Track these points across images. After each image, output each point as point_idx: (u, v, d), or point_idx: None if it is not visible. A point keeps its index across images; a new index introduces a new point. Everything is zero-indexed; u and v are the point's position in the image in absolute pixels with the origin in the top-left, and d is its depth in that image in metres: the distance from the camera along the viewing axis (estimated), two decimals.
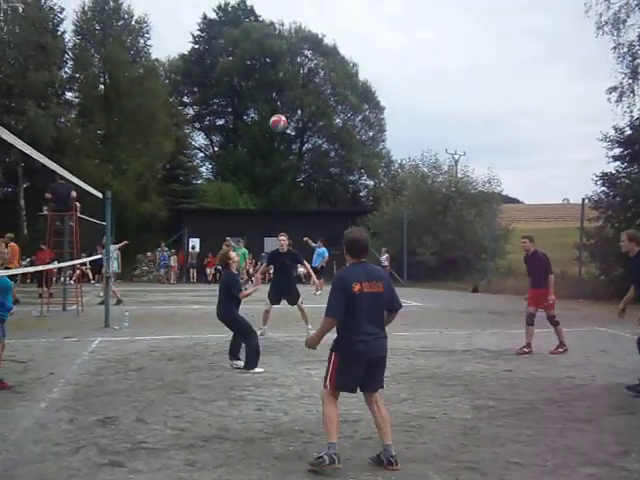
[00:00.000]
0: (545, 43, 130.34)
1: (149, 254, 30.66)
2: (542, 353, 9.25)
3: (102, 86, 36.58)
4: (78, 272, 18.61)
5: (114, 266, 16.19)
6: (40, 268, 13.59)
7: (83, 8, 36.07)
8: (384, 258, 27.42)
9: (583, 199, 19.54)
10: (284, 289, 10.76)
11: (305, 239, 21.37)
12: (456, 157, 36.17)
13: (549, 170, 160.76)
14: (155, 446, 4.81)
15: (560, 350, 9.19)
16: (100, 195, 13.18)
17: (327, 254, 21.14)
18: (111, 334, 11.11)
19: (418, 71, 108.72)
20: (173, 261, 29.51)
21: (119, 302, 15.75)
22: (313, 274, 12.50)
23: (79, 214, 15.14)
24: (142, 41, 37.62)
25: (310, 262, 20.89)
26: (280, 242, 10.59)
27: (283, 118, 10.80)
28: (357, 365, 4.43)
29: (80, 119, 34.61)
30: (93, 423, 5.44)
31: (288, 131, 48.41)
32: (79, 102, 36.01)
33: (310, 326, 10.59)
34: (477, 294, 21.78)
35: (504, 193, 31.70)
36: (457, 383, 7.12)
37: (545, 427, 5.39)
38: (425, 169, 30.97)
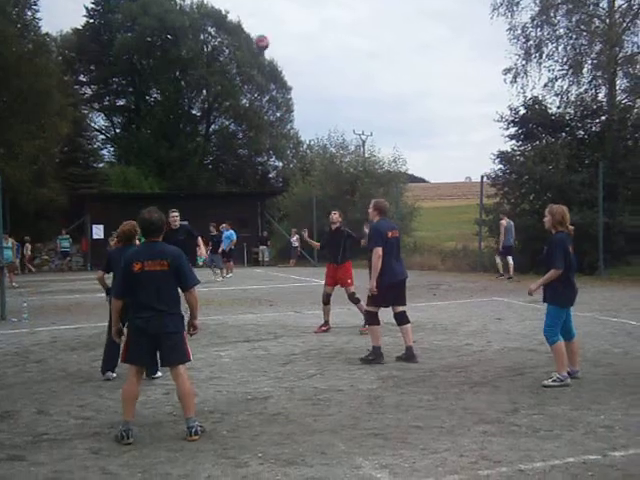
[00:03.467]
0: (448, 25, 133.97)
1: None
2: (443, 324, 9.64)
3: None
4: None
5: (8, 256, 15.50)
6: None
7: None
8: (294, 239, 27.60)
9: (482, 177, 20.34)
10: None
11: (223, 225, 21.26)
12: (363, 137, 36.68)
13: (453, 150, 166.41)
14: (58, 437, 4.70)
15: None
16: None
17: (235, 237, 21.10)
18: (9, 327, 10.62)
19: (324, 51, 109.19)
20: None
21: None
22: (202, 246, 12.14)
23: None
24: (30, 13, 35.20)
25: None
26: (172, 218, 10.01)
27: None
28: (140, 340, 4.59)
29: None
30: None
31: (193, 111, 47.48)
32: None
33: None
34: None
35: (410, 172, 32.57)
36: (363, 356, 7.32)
37: (444, 392, 5.67)
38: (333, 149, 31.26)
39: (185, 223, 10.43)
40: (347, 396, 5.65)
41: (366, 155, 30.98)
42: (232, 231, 21.14)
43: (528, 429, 4.61)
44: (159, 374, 6.42)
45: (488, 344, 7.92)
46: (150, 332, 4.55)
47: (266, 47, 10.24)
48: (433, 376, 6.31)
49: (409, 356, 7.02)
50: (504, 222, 16.73)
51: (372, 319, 7.12)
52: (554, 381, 5.72)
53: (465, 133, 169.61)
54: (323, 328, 9.24)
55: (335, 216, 9.54)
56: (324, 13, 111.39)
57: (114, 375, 6.40)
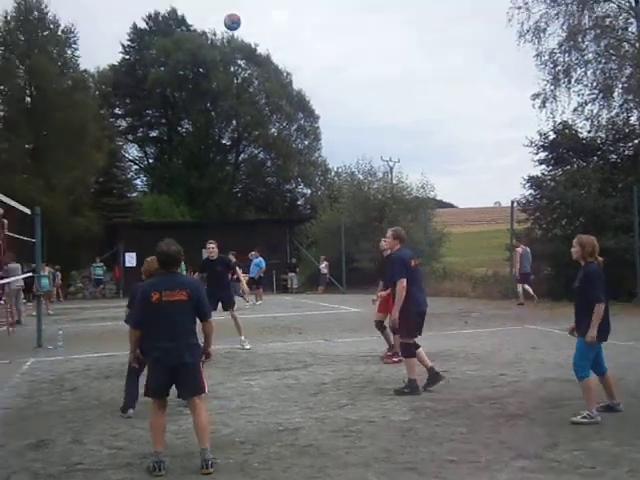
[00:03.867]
0: (473, 51, 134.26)
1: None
2: (476, 353, 9.50)
3: (29, 99, 35.37)
4: (7, 291, 17.93)
5: (45, 284, 15.82)
6: None
7: (5, 18, 34.74)
8: (323, 266, 27.61)
9: (512, 202, 20.17)
10: (219, 294, 10.42)
11: (252, 253, 21.44)
12: (391, 164, 36.76)
13: (481, 175, 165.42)
14: (91, 467, 4.72)
15: (390, 355, 8.90)
16: (28, 211, 12.78)
17: (264, 264, 21.20)
18: (44, 354, 10.77)
19: (351, 80, 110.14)
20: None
21: (18, 322, 15.40)
22: (243, 281, 12.44)
23: (6, 231, 14.64)
24: (70, 52, 36.56)
25: (247, 273, 20.98)
26: (210, 249, 10.46)
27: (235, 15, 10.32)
28: (159, 372, 4.60)
29: (6, 133, 33.38)
30: (25, 447, 5.28)
31: (223, 141, 48.16)
32: (4, 115, 34.70)
33: (243, 337, 10.54)
34: None
35: (438, 198, 32.45)
36: (396, 387, 7.23)
37: (479, 424, 5.56)
38: (361, 176, 31.35)
39: (225, 257, 10.87)
40: (379, 428, 5.58)
41: (394, 181, 31.06)
42: (261, 258, 21.25)
43: (569, 466, 4.44)
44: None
45: (523, 374, 7.77)
46: (168, 364, 4.56)
47: (237, 23, 10.11)
48: (467, 407, 6.20)
49: (432, 376, 6.94)
50: (520, 249, 16.93)
51: (408, 351, 6.97)
52: (583, 417, 5.52)
53: (492, 158, 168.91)
54: (389, 353, 9.01)
55: (384, 243, 9.46)
56: (351, 43, 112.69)
57: (132, 412, 6.21)
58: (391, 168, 35.27)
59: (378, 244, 10.36)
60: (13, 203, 12.27)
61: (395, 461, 4.66)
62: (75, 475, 4.56)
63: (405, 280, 6.80)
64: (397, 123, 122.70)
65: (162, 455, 4.55)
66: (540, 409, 6.03)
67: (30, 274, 16.63)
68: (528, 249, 17.02)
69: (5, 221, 14.47)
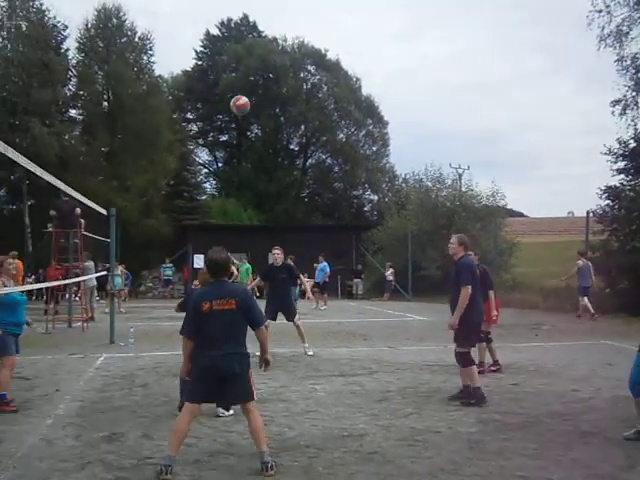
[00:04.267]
0: (548, 57, 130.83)
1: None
2: (547, 367, 9.22)
3: (106, 103, 36.67)
4: (83, 289, 18.60)
5: (118, 283, 16.32)
6: (44, 285, 13.63)
7: (86, 25, 36.23)
8: (389, 273, 27.44)
9: (588, 212, 19.53)
10: (281, 304, 10.35)
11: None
12: (460, 171, 36.25)
13: (553, 183, 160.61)
14: (161, 461, 4.81)
15: (493, 369, 8.67)
16: (104, 212, 13.24)
17: (328, 269, 21.29)
18: (116, 350, 11.12)
19: (421, 85, 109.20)
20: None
21: (91, 318, 15.85)
22: (308, 288, 12.49)
23: (83, 231, 15.21)
24: (145, 58, 37.77)
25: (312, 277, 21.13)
26: (274, 256, 10.41)
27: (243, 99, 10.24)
28: (206, 379, 4.57)
29: (84, 136, 34.66)
30: (99, 439, 5.46)
31: (292, 146, 48.63)
32: (83, 119, 36.08)
33: (307, 344, 10.47)
34: None
35: (508, 207, 31.70)
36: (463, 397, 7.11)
37: (550, 440, 5.39)
38: (429, 183, 31.02)
39: (290, 264, 10.86)
40: (446, 439, 5.49)
41: (463, 189, 30.55)
42: (325, 263, 21.32)
43: None
44: (230, 412, 6.18)
45: (597, 391, 7.48)
46: (216, 372, 4.55)
47: (244, 108, 9.95)
48: (538, 423, 6.01)
49: (467, 394, 6.85)
50: (580, 262, 16.75)
51: (467, 360, 6.86)
52: (634, 434, 5.28)
53: (566, 166, 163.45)
54: (492, 368, 8.76)
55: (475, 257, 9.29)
56: (421, 48, 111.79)
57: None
58: (460, 175, 34.77)
59: (446, 252, 10.19)
60: (91, 204, 12.74)
61: (462, 473, 4.56)
62: (146, 469, 4.67)
63: (470, 287, 6.67)
64: (468, 129, 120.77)
65: (174, 460, 4.51)
66: (615, 428, 5.78)
67: (104, 273, 17.28)
68: (590, 263, 16.90)
69: (82, 221, 15.06)
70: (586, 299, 16.49)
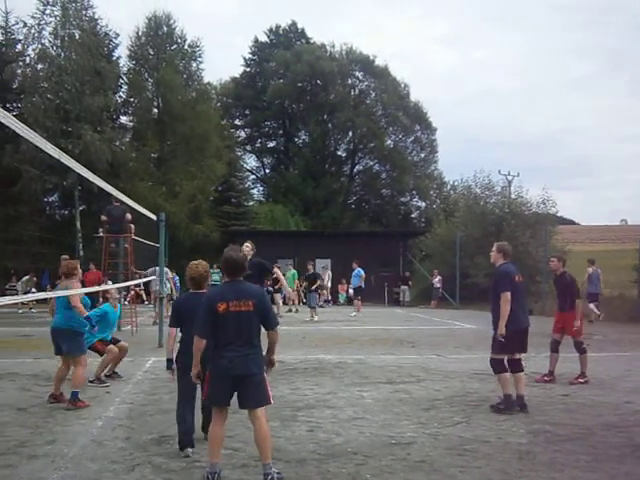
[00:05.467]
0: (599, 60, 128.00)
1: None
2: (600, 377, 8.97)
3: (156, 110, 37.39)
4: (132, 293, 18.95)
5: (166, 287, 16.49)
6: (96, 289, 13.92)
7: (137, 33, 37.12)
8: (436, 280, 27.18)
9: None
10: None
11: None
12: (509, 178, 35.69)
13: (606, 191, 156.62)
14: (206, 469, 4.84)
15: (581, 380, 8.53)
16: (154, 217, 13.45)
17: (363, 273, 21.36)
18: (165, 354, 11.24)
19: (469, 91, 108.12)
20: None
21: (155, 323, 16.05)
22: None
23: (134, 236, 15.49)
24: (195, 65, 38.43)
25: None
26: (244, 251, 8.73)
27: None
28: (223, 381, 4.45)
29: (134, 143, 35.37)
30: (148, 442, 5.54)
31: (339, 152, 48.73)
32: (133, 126, 36.83)
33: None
34: (531, 317, 21.24)
35: (559, 214, 30.99)
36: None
37: (603, 453, 5.23)
38: (478, 190, 30.61)
39: (260, 259, 9.10)
40: (495, 449, 5.38)
41: (512, 196, 30.04)
42: (360, 269, 21.42)
43: None
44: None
45: None
46: (234, 373, 4.44)
47: None
48: (590, 435, 5.85)
49: (521, 406, 6.74)
50: (590, 270, 17.88)
51: (499, 367, 6.86)
52: None
53: (619, 173, 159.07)
54: (546, 378, 8.66)
55: (553, 264, 9.19)
56: (469, 53, 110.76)
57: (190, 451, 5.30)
58: (510, 182, 34.22)
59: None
60: (141, 209, 12.98)
61: None
62: (194, 472, 4.72)
63: (509, 294, 6.67)
64: (517, 135, 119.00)
65: (217, 467, 4.47)
66: None
67: (153, 278, 17.53)
68: (599, 270, 18.23)
69: (132, 226, 15.35)
70: (592, 305, 17.57)
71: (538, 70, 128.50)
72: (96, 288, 13.62)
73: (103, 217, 15.38)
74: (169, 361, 5.50)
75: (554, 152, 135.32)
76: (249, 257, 8.62)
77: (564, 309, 8.90)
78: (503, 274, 6.84)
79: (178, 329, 5.56)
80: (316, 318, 18.75)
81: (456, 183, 37.76)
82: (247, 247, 8.94)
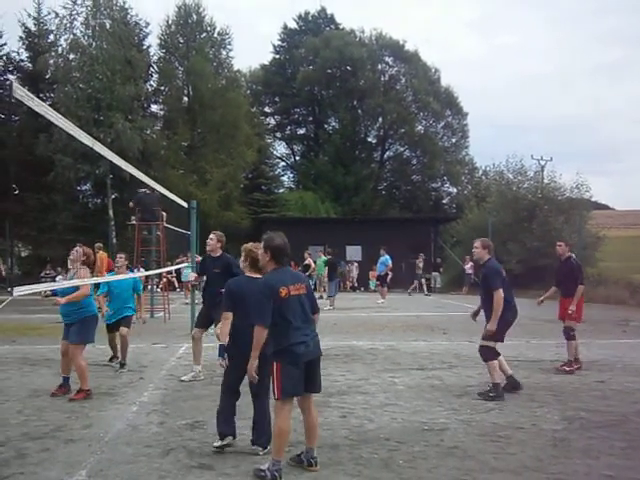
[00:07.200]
0: (631, 45, 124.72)
1: None
2: (635, 364, 8.82)
3: (186, 98, 37.60)
4: (164, 280, 19.12)
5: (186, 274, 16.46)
6: (124, 276, 14.07)
7: (167, 22, 37.31)
8: (468, 266, 26.91)
9: None
10: (213, 308, 7.27)
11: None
12: (542, 163, 35.06)
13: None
14: (243, 450, 4.91)
15: (566, 368, 8.25)
16: (185, 205, 13.55)
17: (389, 262, 20.76)
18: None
19: (501, 76, 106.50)
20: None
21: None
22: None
23: (165, 224, 15.60)
24: (224, 53, 38.48)
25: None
26: (208, 244, 7.78)
27: None
28: (296, 369, 4.38)
29: (165, 131, 35.57)
30: (182, 426, 5.62)
31: (369, 139, 48.41)
32: (164, 114, 37.03)
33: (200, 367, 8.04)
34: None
35: (594, 199, 30.33)
36: (546, 394, 6.91)
37: (639, 440, 5.15)
38: (510, 175, 30.13)
39: (230, 257, 7.88)
40: (529, 435, 5.34)
41: (545, 181, 29.53)
42: (387, 256, 20.74)
43: None
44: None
45: None
46: (308, 359, 4.42)
47: None
48: (626, 421, 5.76)
49: (514, 384, 7.02)
50: None
51: (491, 354, 6.96)
52: None
53: None
54: (573, 366, 8.34)
55: (561, 248, 9.01)
56: (499, 38, 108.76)
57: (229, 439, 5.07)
58: (542, 167, 33.65)
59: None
60: (172, 196, 13.09)
61: (547, 471, 4.43)
62: (227, 457, 4.77)
63: (502, 290, 6.85)
64: (550, 120, 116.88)
65: (282, 463, 4.38)
66: None
67: (185, 265, 17.71)
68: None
69: (164, 214, 15.47)
70: None
71: (569, 55, 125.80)
72: (121, 276, 13.84)
73: (131, 203, 15.48)
74: (222, 348, 5.18)
75: (586, 137, 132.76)
76: (217, 252, 7.71)
77: (568, 294, 8.68)
78: (494, 270, 7.00)
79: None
80: (332, 307, 18.35)
81: (488, 168, 37.33)
82: (211, 238, 7.73)
